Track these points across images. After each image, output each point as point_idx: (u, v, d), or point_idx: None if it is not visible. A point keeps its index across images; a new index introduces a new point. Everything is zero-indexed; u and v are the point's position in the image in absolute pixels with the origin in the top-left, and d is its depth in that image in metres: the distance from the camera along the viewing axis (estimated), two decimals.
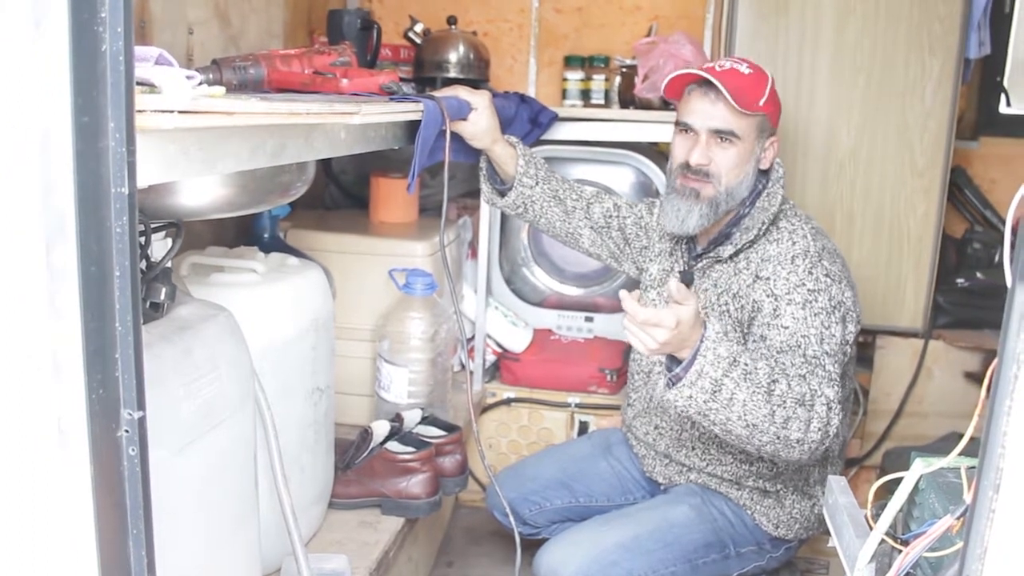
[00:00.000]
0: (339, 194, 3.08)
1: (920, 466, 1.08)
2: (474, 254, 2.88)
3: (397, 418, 2.18)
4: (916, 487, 1.12)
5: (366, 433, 2.11)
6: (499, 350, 2.85)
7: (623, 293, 1.57)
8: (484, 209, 2.75)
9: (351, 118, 1.42)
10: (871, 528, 1.07)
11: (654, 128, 2.56)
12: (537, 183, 2.11)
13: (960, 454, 0.99)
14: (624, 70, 2.83)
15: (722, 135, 1.83)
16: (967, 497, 0.88)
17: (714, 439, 1.96)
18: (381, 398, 2.37)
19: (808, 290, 1.78)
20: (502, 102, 2.21)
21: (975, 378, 2.69)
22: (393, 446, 2.11)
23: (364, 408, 2.48)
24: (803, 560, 2.53)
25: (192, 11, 2.12)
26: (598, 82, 2.93)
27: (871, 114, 2.51)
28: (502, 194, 2.14)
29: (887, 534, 1.04)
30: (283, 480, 1.59)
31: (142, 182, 0.88)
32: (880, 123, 2.52)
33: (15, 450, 0.89)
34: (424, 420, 2.25)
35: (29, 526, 0.91)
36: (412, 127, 1.81)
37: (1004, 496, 0.70)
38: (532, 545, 2.03)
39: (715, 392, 1.58)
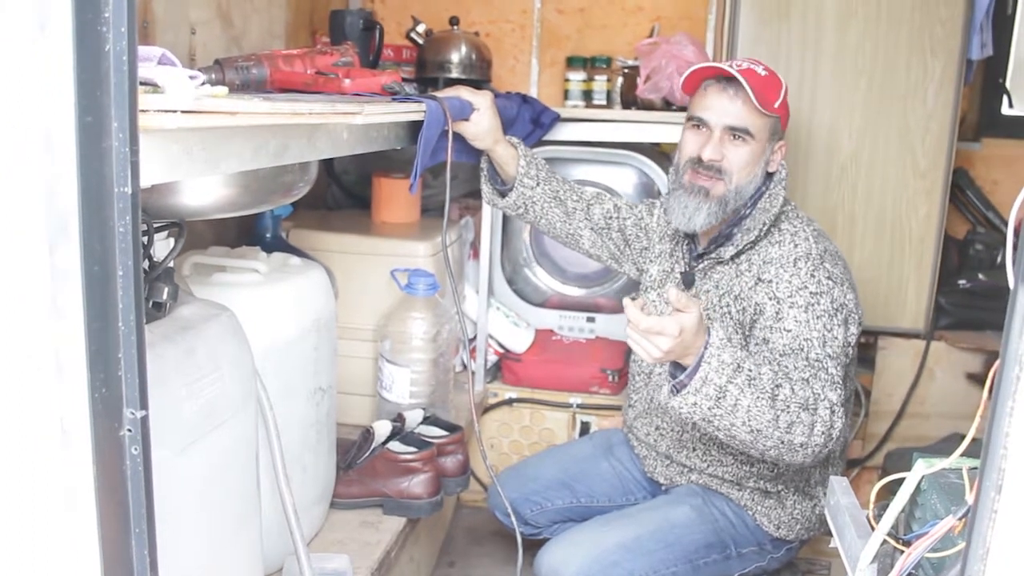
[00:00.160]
0: (341, 194, 3.08)
1: (922, 467, 1.08)
2: (476, 254, 2.88)
3: (399, 418, 2.18)
4: (918, 488, 1.12)
5: (368, 433, 2.11)
6: (501, 350, 2.85)
7: (626, 301, 1.57)
8: (486, 210, 2.75)
9: (353, 118, 1.42)
10: (873, 529, 1.07)
11: (656, 129, 2.56)
12: (538, 184, 2.11)
13: (962, 455, 0.98)
14: (626, 71, 2.84)
15: (736, 132, 1.83)
16: (969, 498, 0.88)
17: (715, 440, 1.96)
18: (383, 398, 2.37)
19: (810, 293, 1.78)
20: (504, 103, 2.21)
21: (977, 379, 2.69)
22: (395, 446, 2.11)
23: (366, 408, 2.48)
24: (804, 561, 2.53)
25: (194, 11, 2.12)
26: (600, 83, 2.93)
27: (873, 116, 2.51)
28: (503, 195, 2.14)
29: (889, 535, 1.05)
30: (285, 480, 1.59)
31: (145, 182, 0.89)
32: (882, 125, 2.52)
33: (18, 449, 0.89)
34: (426, 420, 2.25)
35: (32, 525, 0.91)
36: (414, 127, 1.81)
37: (1006, 497, 0.70)
38: (533, 545, 2.03)
39: (719, 399, 1.58)
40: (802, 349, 1.74)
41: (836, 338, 1.77)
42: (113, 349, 0.87)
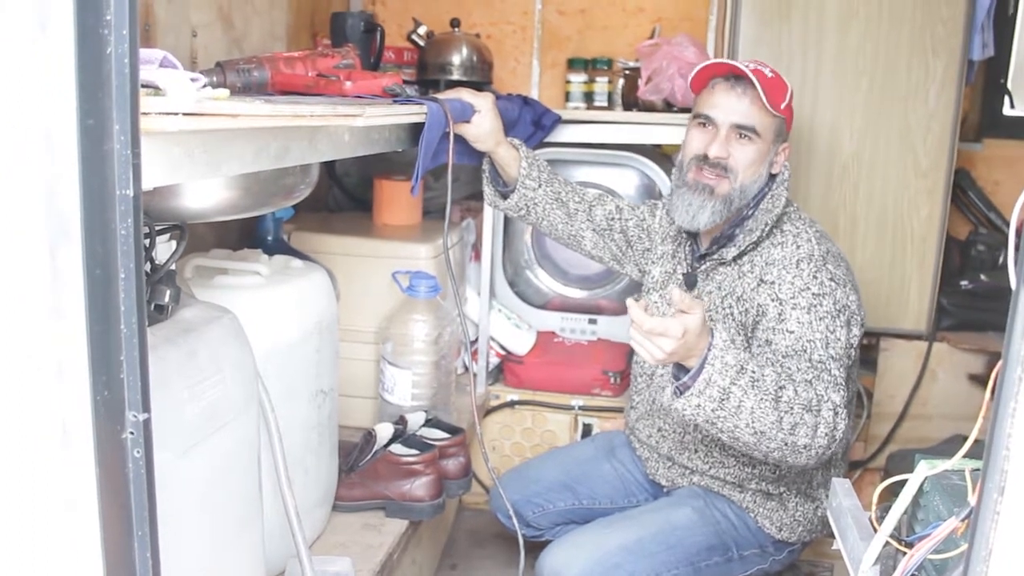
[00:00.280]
0: (343, 196, 3.08)
1: (924, 468, 1.08)
2: (477, 256, 2.88)
3: (401, 420, 2.18)
4: (920, 489, 1.12)
5: (370, 435, 2.11)
6: (503, 352, 2.84)
7: (630, 301, 1.57)
8: (487, 211, 2.75)
9: (355, 120, 1.42)
10: (875, 530, 1.07)
11: (657, 130, 2.56)
12: (540, 185, 2.11)
13: (964, 456, 0.98)
14: (627, 72, 2.84)
15: (743, 131, 1.83)
16: (971, 499, 0.88)
17: (717, 442, 1.96)
18: (385, 400, 2.37)
19: (813, 294, 1.78)
20: (505, 104, 2.21)
21: (979, 380, 2.69)
22: (397, 448, 2.11)
23: (368, 410, 2.48)
24: (806, 563, 2.52)
25: (195, 14, 2.12)
26: (601, 84, 2.94)
27: (874, 117, 2.51)
28: (505, 196, 2.14)
29: (891, 536, 1.04)
30: (287, 482, 1.59)
31: (147, 184, 0.89)
32: (883, 126, 2.51)
33: (20, 452, 0.89)
34: (428, 422, 2.25)
35: (34, 528, 0.91)
36: (416, 129, 1.81)
37: (1008, 498, 0.70)
38: (536, 547, 2.02)
39: (723, 400, 1.57)
40: (805, 351, 1.74)
41: (839, 340, 1.76)
42: (115, 352, 0.87)
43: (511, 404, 2.79)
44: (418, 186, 1.86)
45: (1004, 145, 2.96)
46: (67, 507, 0.90)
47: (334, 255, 2.43)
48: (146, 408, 0.89)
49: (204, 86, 1.07)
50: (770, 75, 1.84)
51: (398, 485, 2.07)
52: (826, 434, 1.64)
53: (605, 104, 2.94)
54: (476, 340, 2.81)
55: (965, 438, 0.96)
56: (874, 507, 1.10)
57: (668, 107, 2.64)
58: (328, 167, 2.97)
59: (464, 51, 2.66)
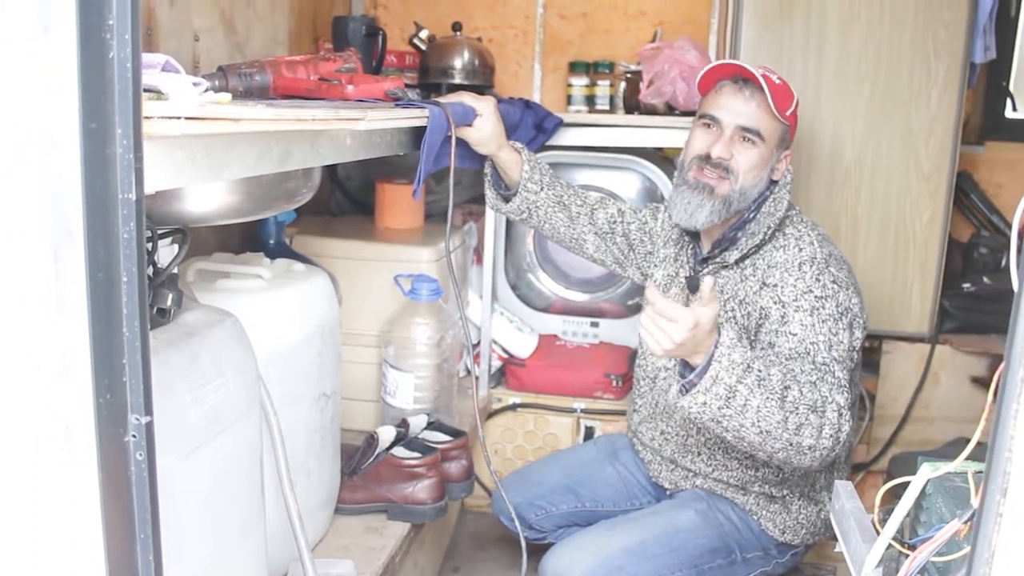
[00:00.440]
0: (345, 200, 3.09)
1: (927, 471, 1.08)
2: (479, 260, 2.88)
3: (403, 423, 2.18)
4: (923, 492, 1.12)
5: (372, 438, 2.11)
6: (505, 355, 2.84)
7: (650, 283, 1.57)
8: (489, 215, 2.75)
9: (357, 124, 1.42)
10: (878, 533, 1.07)
11: (659, 133, 2.56)
12: (542, 189, 2.11)
13: (967, 459, 0.98)
14: (629, 76, 2.84)
15: (748, 133, 1.84)
16: (974, 501, 0.87)
17: (720, 444, 1.96)
18: (387, 404, 2.37)
19: (816, 297, 1.78)
20: (507, 108, 2.21)
21: (982, 383, 2.69)
22: (399, 451, 2.11)
23: (370, 414, 2.49)
24: (809, 566, 2.52)
25: (198, 19, 2.12)
26: (603, 88, 2.94)
27: (876, 120, 2.51)
28: (506, 200, 2.14)
29: (894, 539, 1.04)
30: (289, 485, 1.59)
31: (149, 188, 0.89)
32: (885, 129, 2.51)
33: (23, 455, 0.89)
34: (430, 425, 2.25)
35: (37, 530, 0.91)
36: (417, 133, 1.81)
37: (1011, 500, 0.70)
38: (538, 550, 2.02)
39: (729, 398, 1.57)
40: (808, 352, 1.74)
41: (842, 342, 1.76)
42: (117, 355, 0.88)
43: (513, 407, 2.79)
44: (420, 190, 1.86)
45: (1006, 148, 2.96)
46: (70, 510, 0.90)
47: (336, 258, 2.43)
48: (148, 411, 0.89)
49: (206, 90, 1.07)
50: (778, 82, 1.85)
51: (400, 488, 2.07)
52: (830, 435, 1.64)
53: (607, 108, 2.94)
54: (478, 343, 2.81)
55: (968, 440, 0.96)
56: (877, 510, 1.10)
57: (670, 110, 2.64)
58: (330, 171, 2.97)
59: (466, 55, 2.66)
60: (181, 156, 1.00)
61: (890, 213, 2.55)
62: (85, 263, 0.86)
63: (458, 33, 2.73)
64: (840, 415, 1.66)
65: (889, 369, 2.73)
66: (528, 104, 2.41)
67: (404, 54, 2.84)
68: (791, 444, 1.62)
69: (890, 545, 1.04)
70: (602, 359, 2.80)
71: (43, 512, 0.91)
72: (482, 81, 2.69)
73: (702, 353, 1.57)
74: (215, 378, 1.29)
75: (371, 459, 2.09)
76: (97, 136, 0.84)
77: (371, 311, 2.46)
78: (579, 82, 2.95)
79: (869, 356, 2.69)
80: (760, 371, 1.59)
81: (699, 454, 2.01)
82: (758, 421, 1.59)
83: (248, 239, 2.33)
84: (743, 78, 1.86)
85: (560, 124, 2.50)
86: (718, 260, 1.93)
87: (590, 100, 2.95)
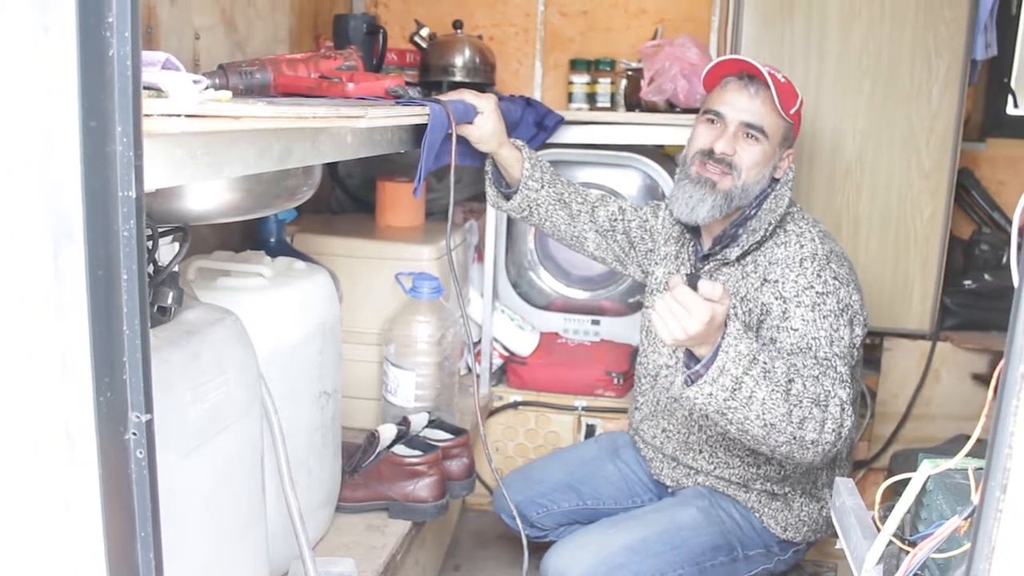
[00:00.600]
0: (346, 198, 3.09)
1: (927, 467, 1.08)
2: (480, 258, 2.88)
3: (404, 422, 2.18)
4: (924, 489, 1.12)
5: (373, 437, 2.11)
6: (506, 353, 2.85)
7: (674, 275, 1.57)
8: (490, 213, 2.75)
9: (357, 122, 1.42)
10: (879, 530, 1.07)
11: (660, 131, 2.56)
12: (542, 186, 2.11)
13: (968, 455, 0.98)
14: (630, 73, 2.84)
15: (751, 130, 1.84)
16: (975, 498, 0.87)
17: (722, 441, 1.96)
18: (388, 402, 2.38)
19: (817, 293, 1.78)
20: (508, 106, 2.21)
21: (983, 380, 2.69)
22: (400, 449, 2.12)
23: (371, 412, 2.49)
24: (811, 563, 2.52)
25: (198, 17, 2.12)
26: (604, 85, 2.94)
27: (877, 117, 2.51)
28: (507, 197, 2.14)
29: (895, 535, 1.04)
30: (290, 484, 1.60)
31: (149, 186, 0.89)
32: (886, 126, 2.51)
33: (23, 453, 0.89)
34: (431, 424, 2.25)
35: (37, 529, 0.91)
36: (418, 131, 1.81)
37: (1011, 496, 0.70)
38: (540, 548, 2.02)
39: (735, 390, 1.57)
40: (810, 348, 1.74)
41: (842, 338, 1.76)
42: (118, 353, 0.88)
43: (514, 405, 2.79)
44: (420, 187, 1.86)
45: (1007, 144, 2.96)
46: (70, 508, 0.90)
47: (337, 256, 2.43)
48: (149, 409, 0.89)
49: (206, 88, 1.07)
50: (783, 80, 1.85)
51: (401, 486, 2.07)
52: (833, 430, 1.64)
53: (608, 105, 2.94)
54: (479, 341, 2.81)
55: (968, 437, 0.96)
56: (877, 506, 1.10)
57: (671, 108, 2.64)
58: (331, 169, 2.97)
59: (467, 53, 2.66)
60: (181, 154, 1.00)
61: (891, 210, 2.55)
62: (85, 261, 0.86)
63: (459, 31, 2.73)
64: (842, 410, 1.66)
65: (890, 366, 2.73)
66: (529, 102, 2.41)
67: (405, 52, 2.84)
68: (794, 438, 1.62)
69: (891, 542, 1.04)
70: (603, 357, 2.80)
71: (43, 510, 0.91)
72: (483, 79, 2.69)
73: (708, 344, 1.57)
74: (216, 376, 1.29)
75: (372, 457, 2.09)
76: (97, 134, 0.84)
77: (372, 309, 2.46)
78: (580, 80, 2.95)
79: (870, 353, 2.69)
80: (766, 363, 1.59)
81: (701, 451, 2.01)
82: (763, 413, 1.59)
83: (249, 237, 2.34)
84: (748, 75, 1.86)
85: (561, 122, 2.50)
86: (719, 257, 1.93)
87: (591, 98, 2.95)
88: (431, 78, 2.67)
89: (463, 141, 1.99)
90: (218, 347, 1.32)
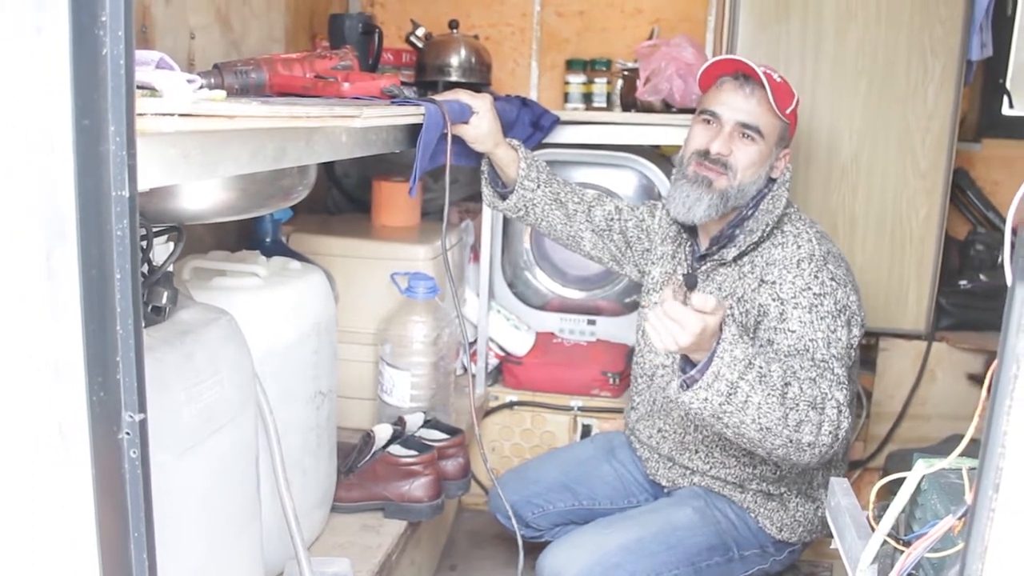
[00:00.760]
0: (342, 198, 3.08)
1: (922, 467, 1.08)
2: (476, 258, 2.88)
3: (399, 422, 2.18)
4: (918, 488, 1.12)
5: (368, 437, 2.11)
6: (502, 353, 2.85)
7: (671, 285, 1.57)
8: (486, 213, 2.75)
9: (352, 121, 1.42)
10: (873, 529, 1.07)
11: (656, 131, 2.56)
12: (539, 186, 2.11)
13: (962, 455, 0.98)
14: (626, 73, 2.84)
15: (747, 130, 1.84)
16: (968, 497, 0.87)
17: (718, 442, 1.96)
18: (383, 402, 2.37)
19: (814, 294, 1.78)
20: (504, 106, 2.21)
21: (978, 380, 2.69)
22: (395, 449, 2.11)
23: (366, 412, 2.48)
24: (807, 563, 2.52)
25: (193, 16, 2.12)
26: (600, 85, 2.94)
27: (872, 117, 2.51)
28: (503, 197, 2.14)
29: (889, 535, 1.04)
30: (285, 484, 1.59)
31: (143, 185, 0.89)
32: (882, 126, 2.51)
33: (16, 453, 0.89)
34: (426, 423, 2.25)
35: (30, 529, 0.91)
36: (414, 131, 1.81)
37: (1004, 495, 0.70)
38: (535, 548, 2.02)
39: (730, 394, 1.57)
40: (807, 350, 1.74)
41: (840, 339, 1.76)
42: (111, 352, 0.87)
43: (510, 405, 2.79)
44: (416, 187, 1.85)
45: (1003, 145, 2.96)
46: (63, 508, 0.90)
47: (333, 256, 2.43)
48: (142, 409, 0.89)
49: (201, 87, 1.07)
50: (779, 79, 1.85)
51: (397, 486, 2.07)
52: (830, 432, 1.64)
53: (604, 105, 2.94)
54: (475, 341, 2.81)
55: (964, 437, 0.96)
56: (871, 506, 1.10)
57: (667, 108, 2.64)
58: (327, 169, 2.97)
59: (463, 53, 2.66)
60: (175, 153, 1.00)
61: (887, 210, 2.55)
62: (78, 260, 0.86)
63: (455, 31, 2.73)
64: (839, 412, 1.66)
65: (886, 366, 2.73)
66: (525, 102, 2.41)
67: (401, 52, 2.84)
68: (791, 441, 1.62)
69: (885, 542, 1.04)
70: (599, 357, 2.80)
71: (36, 510, 0.90)
72: (479, 79, 2.69)
73: (704, 349, 1.57)
74: (210, 376, 1.29)
75: (367, 457, 2.09)
76: (90, 133, 0.84)
77: (368, 309, 2.46)
78: (576, 80, 2.95)
79: (866, 353, 2.69)
80: (761, 367, 1.59)
81: (696, 451, 2.01)
82: (759, 417, 1.59)
83: (244, 237, 2.33)
84: (744, 75, 1.86)
85: (557, 122, 2.50)
86: (716, 257, 1.93)
87: (587, 98, 2.95)
88: (427, 78, 2.67)
89: (459, 141, 1.99)
90: (213, 347, 1.32)
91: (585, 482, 2.19)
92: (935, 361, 2.70)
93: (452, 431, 2.25)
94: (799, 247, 1.86)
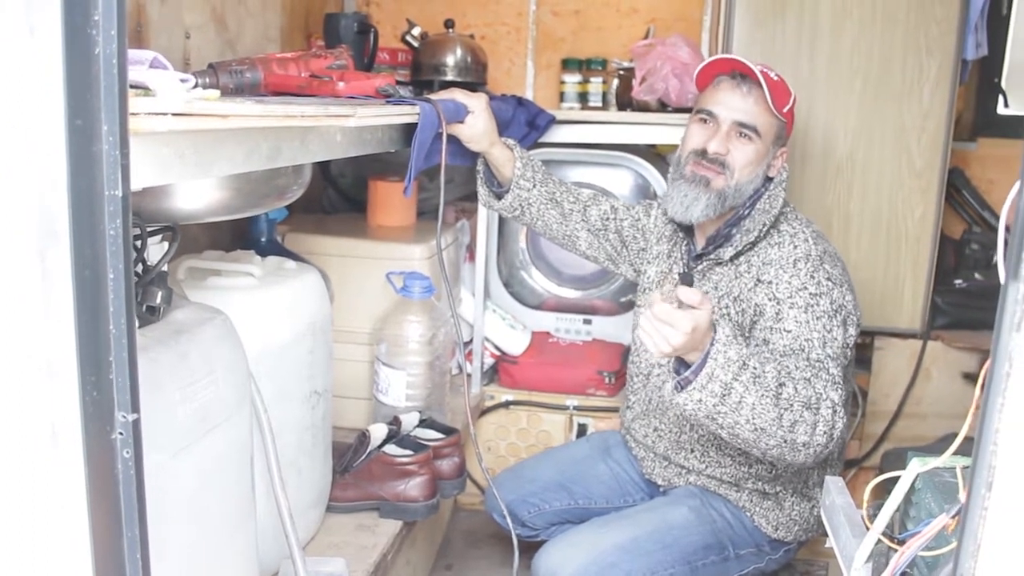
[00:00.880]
0: (337, 198, 3.08)
1: (916, 466, 1.08)
2: (472, 257, 2.88)
3: (395, 421, 2.18)
4: (913, 487, 1.12)
5: (364, 436, 2.10)
6: (497, 353, 2.84)
7: (654, 290, 1.57)
8: (482, 212, 2.75)
9: (346, 121, 1.42)
10: (868, 528, 1.07)
11: (652, 130, 2.56)
12: (534, 186, 2.11)
13: (956, 453, 0.98)
14: (621, 72, 2.84)
15: (744, 129, 1.84)
16: (962, 496, 0.88)
17: (713, 441, 1.96)
18: (379, 401, 2.37)
19: (810, 294, 1.78)
20: (499, 105, 2.21)
21: (973, 379, 2.69)
22: (391, 449, 2.11)
23: (362, 411, 2.48)
24: (802, 562, 2.53)
25: (189, 16, 2.12)
26: (595, 85, 2.94)
27: (868, 117, 2.51)
28: (499, 197, 2.14)
29: (884, 534, 1.04)
30: (280, 483, 1.59)
31: (136, 185, 0.88)
32: (877, 125, 2.51)
33: (9, 453, 0.89)
34: (422, 423, 2.24)
35: (23, 529, 0.91)
36: (409, 130, 1.81)
37: (996, 493, 0.70)
38: (531, 548, 2.02)
39: (724, 396, 1.57)
40: (803, 349, 1.74)
41: (836, 339, 1.76)
42: (104, 352, 0.87)
43: (506, 404, 2.79)
44: (411, 187, 1.85)
45: (998, 144, 2.96)
46: (56, 508, 0.90)
47: (328, 256, 2.43)
48: (135, 408, 0.89)
49: (195, 87, 1.07)
50: (776, 78, 1.85)
51: (392, 486, 2.06)
52: (825, 432, 1.64)
53: (599, 104, 2.94)
54: (471, 341, 2.81)
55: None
56: (866, 505, 1.10)
57: (662, 107, 2.64)
58: (323, 168, 2.97)
59: (458, 52, 2.66)
60: (168, 152, 1.00)
61: (882, 209, 2.55)
62: (71, 261, 0.86)
63: (451, 30, 2.73)
64: (834, 412, 1.66)
65: (881, 365, 2.73)
66: (520, 101, 2.41)
67: (396, 51, 2.83)
68: (785, 441, 1.62)
69: (880, 540, 1.05)
70: (595, 356, 2.80)
71: (29, 510, 0.90)
72: (475, 78, 2.69)
73: (698, 350, 1.57)
74: (205, 376, 1.29)
75: (363, 457, 2.08)
76: (83, 133, 0.84)
77: (363, 309, 2.46)
78: (572, 79, 2.95)
79: (861, 352, 2.68)
80: (755, 368, 1.59)
81: (692, 451, 2.01)
82: (753, 418, 1.59)
83: (239, 237, 2.33)
84: (741, 74, 1.86)
85: (552, 121, 2.50)
86: (712, 257, 1.93)
87: (583, 97, 2.95)
88: (423, 77, 2.67)
89: (454, 140, 1.99)
90: (207, 346, 1.32)
91: (581, 481, 2.19)
92: (930, 360, 2.71)
93: (448, 431, 2.25)
94: (795, 247, 1.86)
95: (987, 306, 2.70)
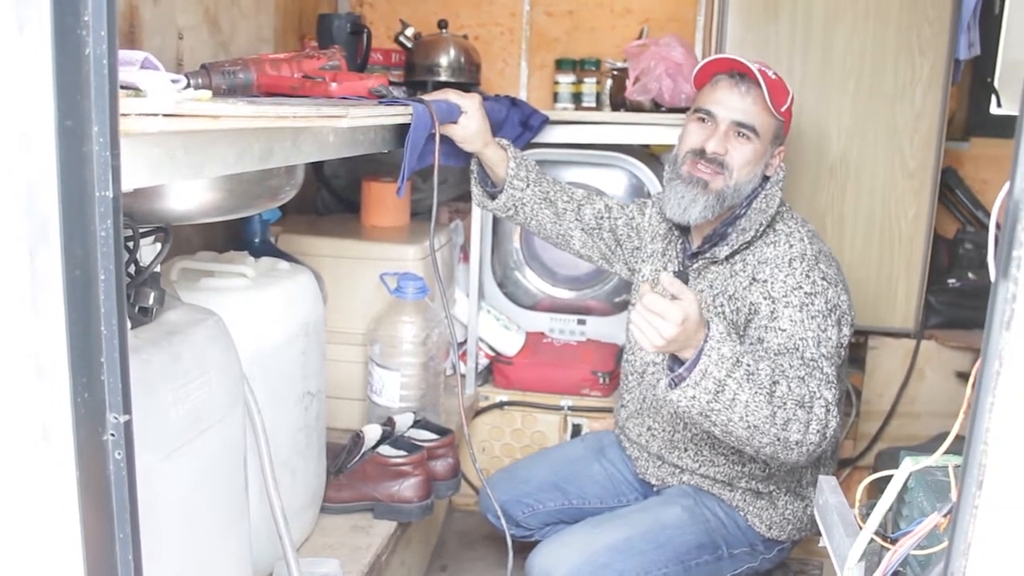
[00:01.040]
0: (331, 198, 3.08)
1: (909, 465, 1.08)
2: (466, 258, 2.88)
3: (389, 422, 2.18)
4: (905, 486, 1.12)
5: (358, 437, 2.10)
6: (491, 353, 2.84)
7: (643, 281, 1.56)
8: (476, 213, 2.75)
9: (339, 121, 1.42)
10: (861, 527, 1.07)
11: (645, 131, 2.56)
12: (528, 185, 2.11)
13: (948, 452, 0.99)
14: (615, 73, 2.84)
15: (743, 129, 1.84)
16: (954, 495, 0.88)
17: (707, 440, 1.96)
18: (373, 402, 2.37)
19: (805, 293, 1.79)
20: (493, 105, 2.21)
21: (966, 378, 2.68)
22: (385, 450, 2.11)
23: (356, 412, 2.48)
24: (796, 561, 2.53)
25: (182, 17, 2.12)
26: (589, 85, 2.94)
27: (861, 116, 2.51)
28: (493, 197, 2.14)
29: (876, 533, 1.05)
30: (274, 484, 1.59)
31: (127, 186, 0.88)
32: (870, 125, 2.52)
33: None
34: (416, 424, 2.24)
35: (15, 532, 0.91)
36: (402, 131, 1.81)
37: (987, 492, 0.70)
38: (525, 548, 2.02)
39: (718, 393, 1.57)
40: (797, 348, 1.74)
41: (830, 339, 1.77)
42: (95, 353, 0.87)
43: (500, 405, 2.79)
44: (404, 187, 1.85)
45: (991, 144, 2.97)
46: (48, 510, 0.90)
47: (322, 257, 2.43)
48: (127, 410, 0.89)
49: (187, 87, 1.07)
50: (774, 77, 1.85)
51: (386, 487, 2.06)
52: (818, 431, 1.64)
53: (593, 105, 2.94)
54: (465, 341, 2.81)
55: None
56: (858, 504, 1.10)
57: (656, 107, 2.64)
58: (316, 169, 2.97)
59: (452, 52, 2.66)
60: (159, 153, 1.00)
61: (875, 209, 2.56)
62: (62, 262, 0.85)
63: (444, 31, 2.73)
64: (827, 411, 1.66)
65: (875, 365, 2.73)
66: (514, 101, 2.41)
67: (390, 52, 2.83)
68: (778, 439, 1.63)
69: (872, 539, 1.05)
70: (589, 356, 2.80)
71: (21, 513, 0.90)
72: (468, 79, 2.69)
73: (692, 347, 1.57)
74: (198, 377, 1.29)
75: (357, 458, 2.08)
76: (73, 133, 0.83)
77: (357, 309, 2.46)
78: (565, 79, 2.95)
79: (855, 352, 2.69)
80: (749, 366, 1.59)
81: (686, 450, 2.01)
82: (746, 416, 1.59)
83: (232, 238, 2.33)
84: (739, 73, 1.86)
85: (546, 121, 2.50)
86: (707, 256, 1.93)
87: (576, 97, 2.95)
88: (416, 78, 2.67)
89: (448, 141, 1.99)
90: (200, 348, 1.32)
91: (575, 481, 2.19)
92: (924, 359, 2.71)
93: (442, 431, 2.25)
94: (791, 246, 1.86)
95: (981, 305, 2.69)
